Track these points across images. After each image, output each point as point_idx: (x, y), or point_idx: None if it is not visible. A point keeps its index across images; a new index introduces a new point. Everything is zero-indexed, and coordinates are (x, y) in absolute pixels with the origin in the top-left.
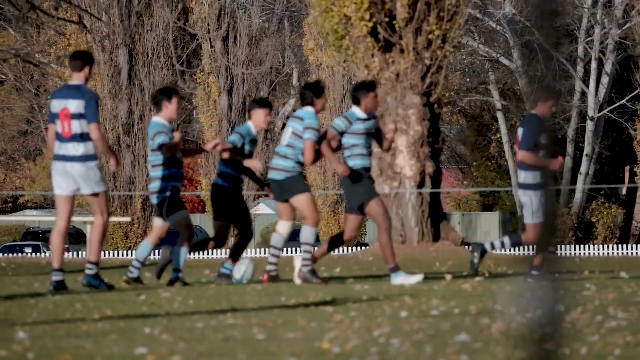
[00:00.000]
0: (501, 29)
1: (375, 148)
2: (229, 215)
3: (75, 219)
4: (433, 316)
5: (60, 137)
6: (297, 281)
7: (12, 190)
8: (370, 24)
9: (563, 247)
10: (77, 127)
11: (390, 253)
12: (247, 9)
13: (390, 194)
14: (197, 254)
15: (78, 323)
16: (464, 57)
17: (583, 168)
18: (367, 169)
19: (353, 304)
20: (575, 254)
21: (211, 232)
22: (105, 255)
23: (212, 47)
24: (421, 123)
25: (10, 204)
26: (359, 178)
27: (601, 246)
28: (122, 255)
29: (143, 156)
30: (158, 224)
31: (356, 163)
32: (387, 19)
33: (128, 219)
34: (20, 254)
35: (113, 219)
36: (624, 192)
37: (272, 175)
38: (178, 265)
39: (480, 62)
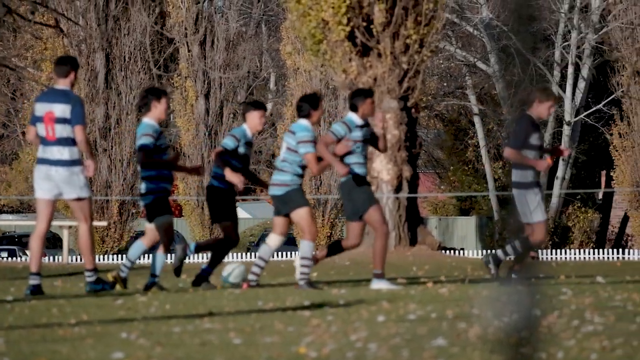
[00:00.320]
0: (478, 33)
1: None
2: (228, 215)
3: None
4: (410, 320)
5: (43, 141)
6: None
7: None
8: (348, 28)
9: (539, 251)
10: (61, 131)
11: (381, 259)
12: (225, 12)
13: None
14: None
15: (54, 327)
16: (441, 62)
17: (559, 172)
18: (362, 177)
19: (330, 308)
20: (551, 258)
21: (187, 236)
22: (81, 260)
23: (189, 51)
24: (398, 127)
25: None
26: (360, 182)
27: (577, 250)
28: (99, 260)
29: (119, 160)
30: (150, 226)
31: (353, 170)
32: (364, 23)
33: (104, 223)
34: None
35: None
36: (600, 196)
37: (272, 190)
38: (154, 270)
39: (457, 67)
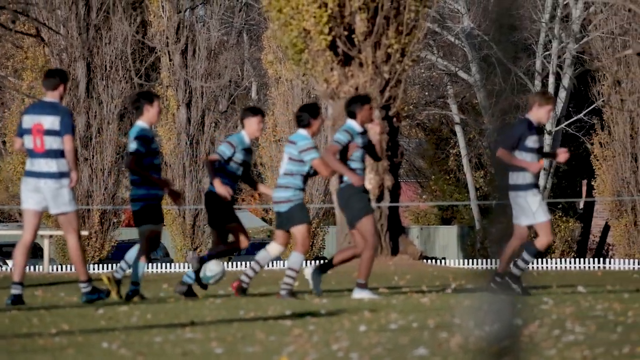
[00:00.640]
0: (459, 42)
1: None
2: (231, 217)
3: None
4: (391, 330)
5: (32, 153)
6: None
7: None
8: (329, 38)
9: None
10: (50, 143)
11: (366, 269)
12: (206, 22)
13: None
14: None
15: (35, 337)
16: (423, 71)
17: (540, 181)
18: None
19: (312, 318)
20: (532, 267)
21: (168, 246)
22: (61, 269)
23: (170, 60)
24: (380, 136)
25: None
26: (358, 190)
27: (558, 260)
28: None
29: (101, 169)
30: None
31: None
32: (346, 33)
33: (85, 233)
34: None
35: None
36: (581, 205)
37: (276, 207)
38: (136, 278)
39: (439, 76)
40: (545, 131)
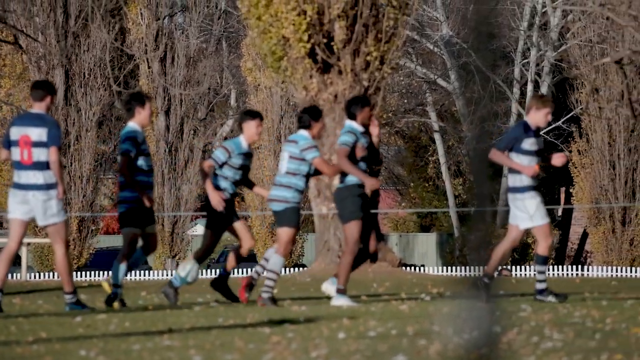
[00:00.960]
0: (438, 50)
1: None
2: (233, 218)
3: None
4: (370, 337)
5: (19, 165)
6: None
7: None
8: (309, 45)
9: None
10: (38, 154)
11: (345, 275)
12: (185, 29)
13: (328, 215)
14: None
15: (12, 345)
16: (402, 79)
17: None
18: (361, 185)
19: (290, 325)
20: (511, 274)
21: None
22: (39, 277)
23: (149, 67)
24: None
25: None
26: (354, 192)
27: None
28: (58, 277)
29: (79, 177)
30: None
31: (351, 178)
32: (325, 40)
33: None
34: None
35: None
36: (560, 213)
37: (271, 205)
38: (117, 281)
39: (418, 84)
40: None
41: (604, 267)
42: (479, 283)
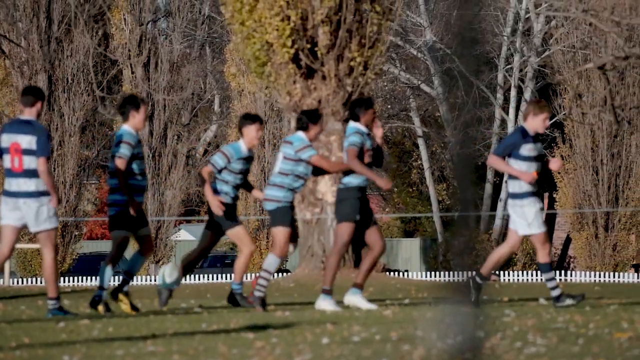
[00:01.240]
0: (422, 56)
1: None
2: (235, 221)
3: None
4: (354, 342)
5: (10, 173)
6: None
7: None
8: (292, 51)
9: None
10: (29, 162)
11: (331, 276)
12: (168, 35)
13: (312, 220)
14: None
15: None
16: (385, 84)
17: (503, 194)
18: (362, 188)
19: (274, 330)
20: (498, 279)
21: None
22: (22, 283)
23: (132, 72)
24: (343, 149)
25: None
26: (353, 193)
27: (520, 272)
28: (41, 282)
29: (62, 182)
30: (140, 233)
31: (350, 180)
32: (308, 46)
33: None
34: None
35: (32, 245)
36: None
37: (265, 205)
38: (102, 283)
39: (402, 89)
40: None
41: (587, 272)
42: (472, 282)
